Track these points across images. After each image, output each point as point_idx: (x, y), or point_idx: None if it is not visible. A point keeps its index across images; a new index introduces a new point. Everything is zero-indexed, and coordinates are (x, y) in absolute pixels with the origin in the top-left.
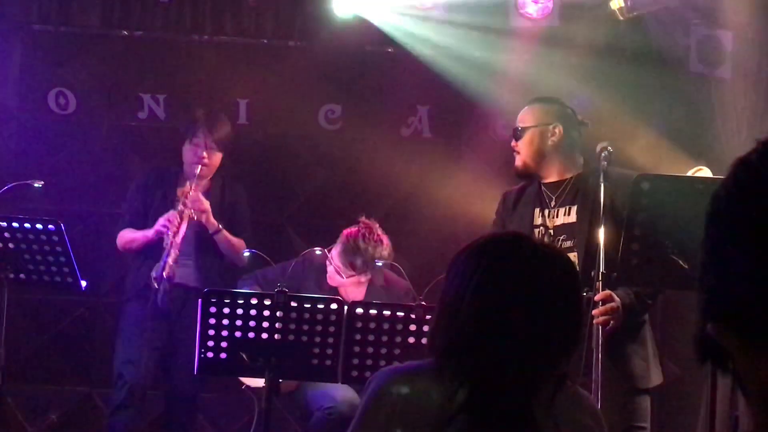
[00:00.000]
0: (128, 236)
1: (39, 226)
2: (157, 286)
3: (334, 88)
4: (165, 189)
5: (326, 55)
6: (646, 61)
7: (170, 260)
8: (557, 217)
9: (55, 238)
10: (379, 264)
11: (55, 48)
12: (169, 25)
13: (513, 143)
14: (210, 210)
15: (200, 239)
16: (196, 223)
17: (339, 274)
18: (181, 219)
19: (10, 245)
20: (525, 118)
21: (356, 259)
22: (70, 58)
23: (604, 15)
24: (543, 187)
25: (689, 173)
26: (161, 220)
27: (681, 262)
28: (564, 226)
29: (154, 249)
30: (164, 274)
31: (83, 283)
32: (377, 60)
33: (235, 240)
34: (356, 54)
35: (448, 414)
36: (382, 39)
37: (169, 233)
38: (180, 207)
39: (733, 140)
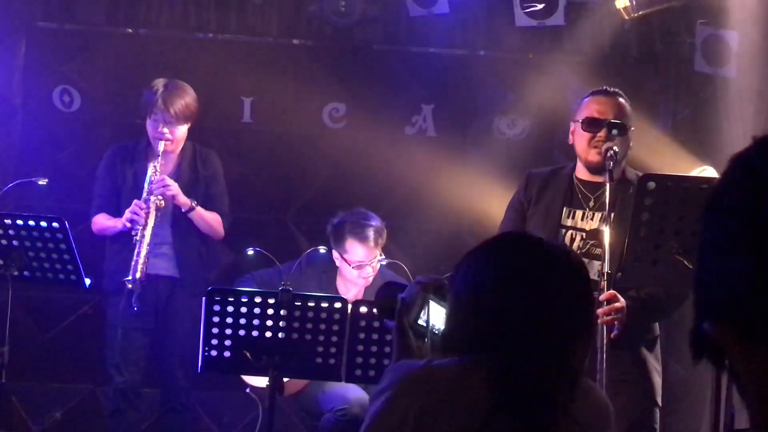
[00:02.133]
0: (100, 224)
1: (43, 223)
2: (130, 287)
3: (339, 87)
4: (135, 167)
5: (331, 54)
6: (651, 61)
7: (141, 259)
8: (593, 220)
9: (59, 235)
10: (383, 262)
11: (59, 45)
12: (174, 23)
13: (602, 133)
14: (179, 191)
15: (177, 225)
16: (171, 208)
17: (360, 265)
18: (149, 208)
19: (15, 243)
20: (627, 114)
21: (365, 231)
22: (74, 55)
23: (609, 14)
24: (579, 185)
25: (694, 173)
26: (127, 213)
27: (686, 262)
28: (597, 232)
29: (127, 236)
30: (137, 275)
31: (87, 281)
32: (382, 58)
33: (210, 216)
34: (361, 52)
35: (479, 414)
36: (387, 37)
37: (138, 226)
38: (145, 195)
39: (738, 140)
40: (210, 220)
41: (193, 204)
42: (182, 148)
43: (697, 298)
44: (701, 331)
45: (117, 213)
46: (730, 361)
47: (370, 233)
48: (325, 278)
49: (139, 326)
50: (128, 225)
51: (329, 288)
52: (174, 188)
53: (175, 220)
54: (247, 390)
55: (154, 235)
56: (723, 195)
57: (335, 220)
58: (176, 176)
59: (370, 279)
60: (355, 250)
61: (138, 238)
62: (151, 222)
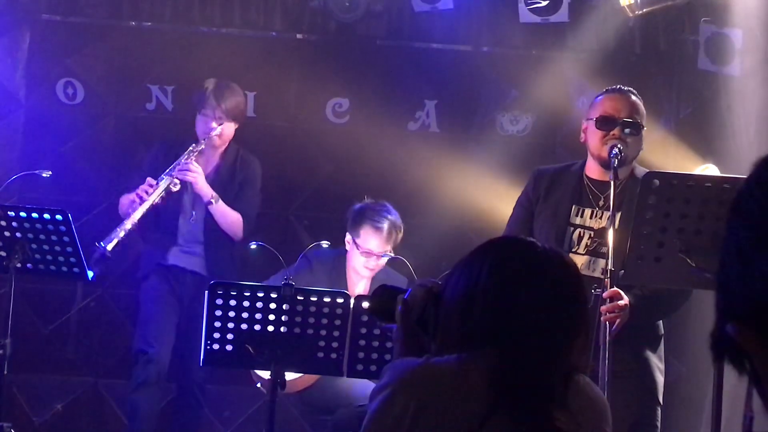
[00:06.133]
0: (121, 203)
1: (46, 215)
2: (96, 255)
3: (342, 82)
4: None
5: (334, 49)
6: (654, 58)
7: (120, 231)
8: (601, 219)
9: (63, 228)
10: (385, 258)
11: (63, 38)
12: (177, 17)
13: (615, 131)
14: (199, 180)
15: (209, 226)
16: (205, 208)
17: (369, 253)
18: (158, 186)
19: (18, 235)
20: (640, 113)
21: (383, 223)
22: (78, 48)
23: (613, 11)
24: (589, 183)
25: (696, 171)
26: (140, 189)
27: (689, 260)
28: (605, 231)
29: (165, 224)
30: (108, 246)
31: (90, 274)
32: (385, 54)
33: (231, 214)
34: (364, 48)
35: (477, 410)
36: (391, 33)
37: (137, 200)
38: (164, 174)
39: (741, 138)
40: (230, 216)
41: (214, 196)
42: (226, 151)
43: (719, 300)
44: (723, 333)
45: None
46: (752, 363)
47: (387, 226)
48: (335, 274)
49: (171, 305)
50: (136, 199)
51: (339, 283)
52: (195, 175)
53: (208, 220)
54: (258, 385)
55: (187, 233)
56: (747, 197)
57: (359, 204)
58: (214, 176)
59: (373, 272)
60: (368, 237)
61: (131, 211)
62: (151, 200)
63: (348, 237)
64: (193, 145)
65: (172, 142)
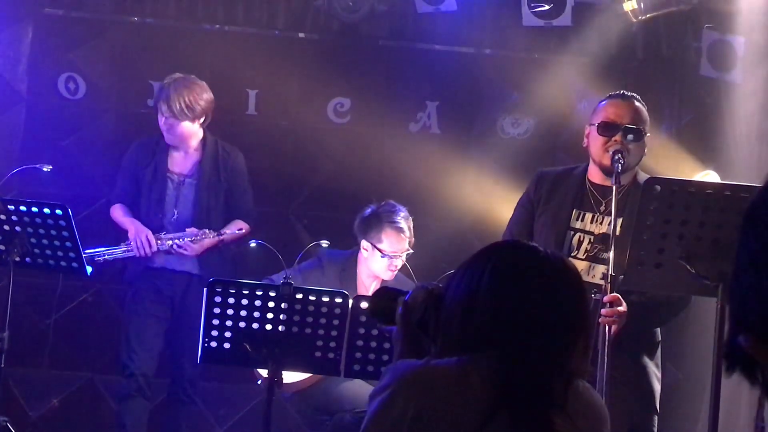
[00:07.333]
0: (116, 218)
1: (46, 210)
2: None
3: (344, 82)
4: (155, 161)
5: (337, 48)
6: (656, 64)
7: (108, 255)
8: (602, 224)
9: (62, 222)
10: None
11: (66, 33)
12: (180, 14)
13: (617, 137)
14: (200, 250)
15: (195, 224)
16: (192, 202)
17: (394, 255)
18: (154, 248)
19: (17, 228)
20: (643, 119)
21: (402, 222)
22: (81, 43)
23: (616, 16)
24: (591, 188)
25: (697, 177)
26: (139, 240)
27: (689, 267)
28: (606, 236)
29: (150, 223)
30: (88, 268)
31: (89, 269)
32: (388, 55)
33: (238, 232)
34: (367, 48)
35: (477, 413)
36: (394, 33)
37: (128, 245)
38: (167, 239)
39: (743, 145)
40: (239, 234)
41: (219, 234)
42: (205, 144)
43: (733, 311)
44: (736, 344)
45: (135, 204)
46: (764, 374)
47: (405, 224)
48: (345, 276)
49: (155, 314)
50: (131, 245)
51: (349, 285)
52: (191, 251)
53: (194, 218)
54: (258, 382)
55: (177, 230)
56: (761, 207)
57: (367, 210)
58: (197, 175)
59: (396, 270)
60: (391, 240)
61: (127, 247)
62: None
63: (365, 244)
64: (194, 236)
65: (147, 141)
